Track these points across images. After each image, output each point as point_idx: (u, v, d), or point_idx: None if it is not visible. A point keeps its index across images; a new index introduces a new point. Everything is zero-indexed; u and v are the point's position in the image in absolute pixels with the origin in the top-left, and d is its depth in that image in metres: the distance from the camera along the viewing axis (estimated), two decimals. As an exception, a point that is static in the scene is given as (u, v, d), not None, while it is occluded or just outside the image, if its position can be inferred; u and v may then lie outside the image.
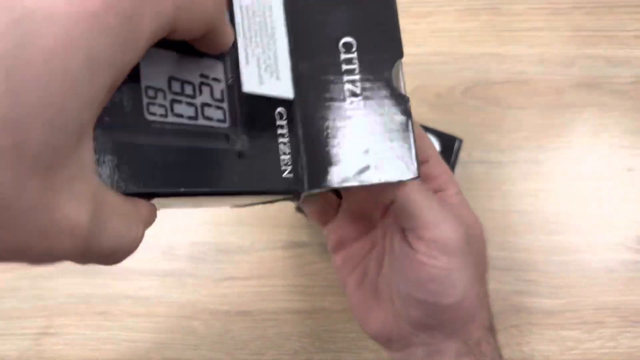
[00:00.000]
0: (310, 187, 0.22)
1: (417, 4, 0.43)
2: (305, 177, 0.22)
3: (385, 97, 0.23)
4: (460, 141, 0.39)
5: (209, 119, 0.19)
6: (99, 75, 0.11)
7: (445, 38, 0.43)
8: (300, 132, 0.22)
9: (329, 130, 0.22)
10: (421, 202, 0.24)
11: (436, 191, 0.27)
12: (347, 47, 0.23)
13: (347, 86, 0.23)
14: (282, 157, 0.21)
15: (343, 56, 0.23)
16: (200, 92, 0.19)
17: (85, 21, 0.10)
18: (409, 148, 0.22)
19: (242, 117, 0.20)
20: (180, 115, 0.18)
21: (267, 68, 0.22)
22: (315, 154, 0.22)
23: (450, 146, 0.39)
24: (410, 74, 0.42)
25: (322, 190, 0.22)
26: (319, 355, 0.39)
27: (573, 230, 0.40)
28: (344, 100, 0.22)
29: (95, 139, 0.14)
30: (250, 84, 0.21)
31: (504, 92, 0.42)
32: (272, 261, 0.40)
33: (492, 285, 0.39)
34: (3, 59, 0.09)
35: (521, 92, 0.42)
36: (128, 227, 0.15)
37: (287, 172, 0.21)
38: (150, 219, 0.17)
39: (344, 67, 0.23)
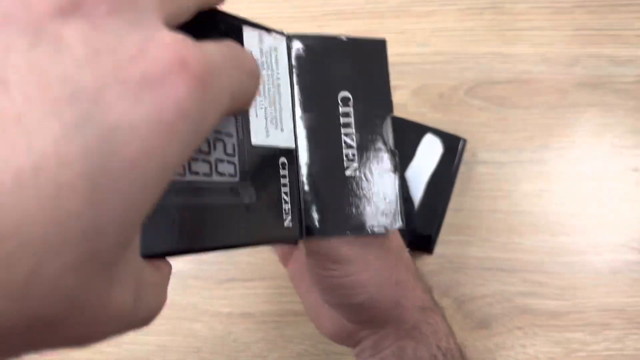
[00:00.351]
0: (308, 234, 0.23)
1: (418, 3, 0.43)
2: (303, 225, 0.23)
3: (378, 151, 0.24)
4: (464, 141, 0.39)
5: (222, 174, 0.20)
6: (167, 176, 0.12)
7: (447, 37, 0.43)
8: (299, 181, 0.23)
9: (325, 180, 0.24)
10: None
11: None
12: (345, 101, 0.24)
13: (344, 138, 0.24)
14: (284, 205, 0.22)
15: (341, 109, 0.24)
16: (215, 147, 0.20)
17: (161, 131, 0.11)
18: (397, 201, 0.24)
19: (250, 169, 0.21)
20: (197, 173, 0.19)
21: (272, 120, 0.23)
22: (313, 202, 0.23)
23: (454, 146, 0.39)
24: (413, 74, 0.42)
25: (318, 238, 0.24)
26: (321, 357, 0.38)
27: (577, 231, 0.40)
28: (340, 151, 0.24)
29: None
30: (258, 136, 0.22)
31: (507, 92, 0.42)
32: (275, 263, 0.40)
33: (497, 287, 0.39)
34: (89, 173, 0.10)
35: (524, 91, 0.42)
36: (158, 295, 0.15)
37: (287, 220, 0.22)
38: (169, 278, 0.17)
39: (342, 119, 0.24)
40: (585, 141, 0.41)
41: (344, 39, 0.24)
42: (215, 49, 0.13)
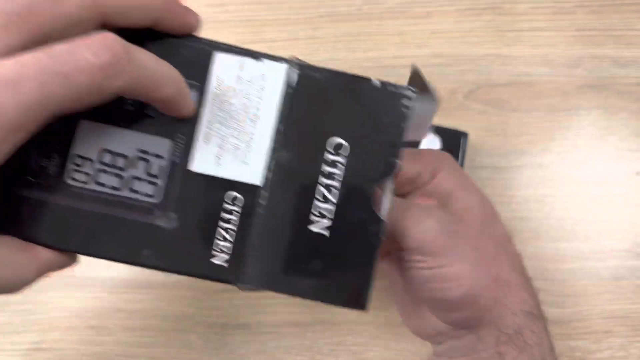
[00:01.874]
0: (250, 283, 0.21)
1: (416, 4, 0.42)
2: (248, 271, 0.21)
3: (358, 216, 0.21)
4: (466, 135, 0.38)
5: (135, 191, 0.21)
6: None
7: (446, 39, 0.41)
8: (256, 222, 0.21)
9: (282, 230, 0.21)
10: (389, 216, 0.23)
11: (432, 177, 0.26)
12: (337, 148, 0.21)
13: (322, 189, 0.21)
14: (218, 242, 0.21)
15: (329, 157, 0.21)
16: (134, 165, 0.21)
17: None
18: (367, 279, 0.21)
19: (180, 196, 0.21)
20: (102, 185, 0.21)
21: (233, 150, 0.21)
22: (266, 249, 0.21)
23: (455, 143, 0.38)
24: (411, 76, 0.41)
25: (262, 290, 0.22)
26: (319, 369, 0.38)
27: (580, 237, 0.39)
28: (310, 202, 0.21)
29: (16, 195, 0.20)
30: (202, 163, 0.21)
31: (507, 95, 0.41)
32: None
33: (497, 294, 0.38)
34: None
35: (525, 94, 0.41)
36: (12, 272, 0.19)
37: (218, 258, 0.21)
38: (53, 265, 0.20)
39: (326, 168, 0.21)
40: (588, 144, 0.40)
41: (376, 83, 0.21)
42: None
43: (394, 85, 0.21)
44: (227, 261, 0.21)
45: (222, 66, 0.21)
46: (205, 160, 0.21)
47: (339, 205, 0.21)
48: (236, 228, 0.21)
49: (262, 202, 0.21)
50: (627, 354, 0.37)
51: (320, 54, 0.41)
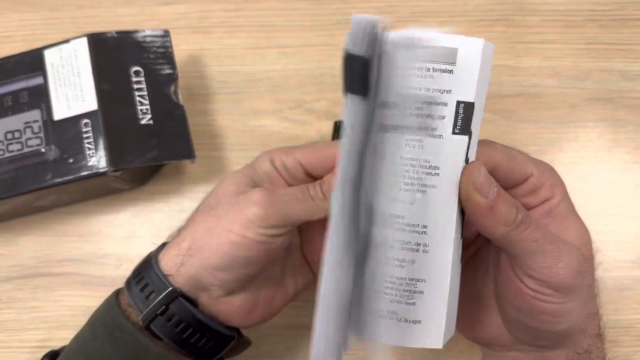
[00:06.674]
0: (111, 165, 0.33)
1: (429, 14, 0.42)
2: (107, 157, 0.34)
3: (168, 105, 0.37)
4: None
5: (30, 146, 0.34)
6: None
7: (457, 49, 0.42)
8: (102, 129, 0.34)
9: (121, 126, 0.34)
10: (529, 245, 0.22)
11: (542, 201, 0.25)
12: (137, 73, 0.35)
13: (137, 98, 0.35)
14: (88, 152, 0.33)
15: (134, 79, 0.35)
16: (25, 132, 0.34)
17: None
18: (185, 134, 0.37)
19: (55, 136, 0.34)
20: (12, 151, 0.34)
21: (74, 97, 0.34)
22: (114, 140, 0.34)
23: None
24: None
25: (126, 166, 0.34)
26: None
27: (586, 247, 0.39)
28: (135, 108, 0.35)
29: None
30: (60, 112, 0.34)
31: (516, 105, 0.41)
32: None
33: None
34: None
35: (534, 105, 0.41)
36: None
37: (93, 160, 0.33)
38: None
39: (135, 86, 0.35)
40: (594, 157, 0.40)
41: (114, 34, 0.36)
42: None
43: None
44: (97, 160, 0.34)
45: (50, 57, 0.36)
46: (60, 110, 0.35)
47: (151, 103, 0.36)
48: (92, 137, 0.35)
49: (102, 117, 0.35)
50: (631, 364, 0.37)
51: (334, 61, 0.42)
